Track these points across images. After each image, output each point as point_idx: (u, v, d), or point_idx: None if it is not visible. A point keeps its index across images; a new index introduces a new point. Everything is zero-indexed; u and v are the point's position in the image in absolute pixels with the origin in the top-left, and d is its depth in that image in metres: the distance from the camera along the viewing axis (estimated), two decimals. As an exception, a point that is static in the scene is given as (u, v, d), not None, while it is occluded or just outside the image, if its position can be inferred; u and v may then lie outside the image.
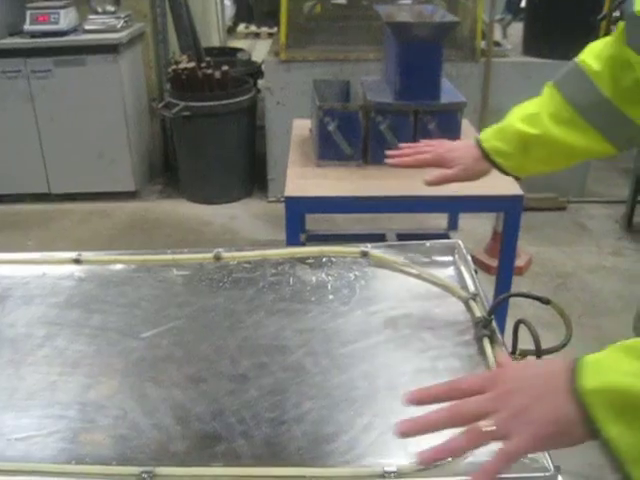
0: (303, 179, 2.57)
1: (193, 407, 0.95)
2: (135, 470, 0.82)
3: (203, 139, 3.93)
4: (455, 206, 2.63)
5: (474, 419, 0.72)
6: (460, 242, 1.39)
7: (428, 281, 1.27)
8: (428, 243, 1.41)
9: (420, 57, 2.53)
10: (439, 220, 3.72)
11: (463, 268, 1.31)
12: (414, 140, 2.67)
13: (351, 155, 2.64)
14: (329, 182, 2.56)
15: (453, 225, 3.59)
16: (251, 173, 4.22)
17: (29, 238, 3.70)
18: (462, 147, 1.36)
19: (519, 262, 3.34)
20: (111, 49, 3.78)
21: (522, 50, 4.00)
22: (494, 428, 0.71)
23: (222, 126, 3.90)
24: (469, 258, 1.34)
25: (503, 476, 0.71)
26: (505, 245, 2.60)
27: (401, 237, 3.47)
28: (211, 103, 3.81)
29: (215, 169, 4.02)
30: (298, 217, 2.45)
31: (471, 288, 1.24)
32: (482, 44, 3.82)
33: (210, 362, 1.05)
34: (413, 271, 1.29)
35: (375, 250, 1.35)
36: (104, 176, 4.07)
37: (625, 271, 3.46)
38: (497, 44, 3.95)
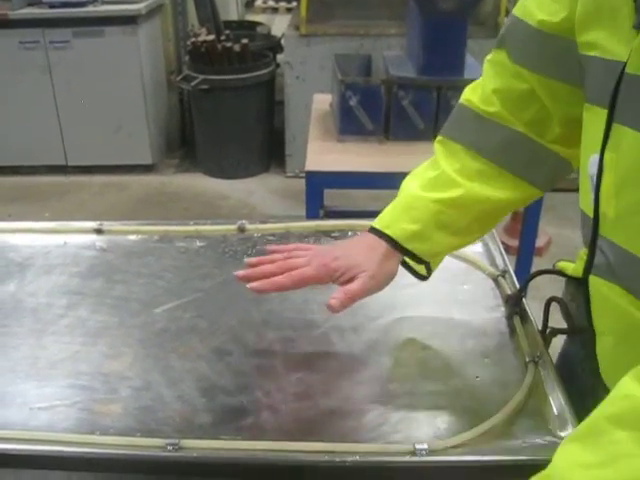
0: (324, 154, 2.55)
1: (218, 380, 0.93)
2: (160, 442, 0.80)
3: (221, 113, 3.90)
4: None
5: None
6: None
7: (456, 257, 1.24)
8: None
9: (445, 32, 2.49)
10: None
11: (491, 245, 1.28)
12: (436, 117, 2.65)
13: (372, 130, 2.61)
14: (350, 157, 2.53)
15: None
16: (269, 148, 4.19)
17: (46, 210, 3.70)
18: (354, 249, 1.02)
19: (539, 242, 3.29)
20: (130, 20, 3.74)
21: (546, 27, 3.93)
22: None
23: (240, 100, 3.87)
24: (496, 235, 1.31)
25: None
26: (526, 225, 2.57)
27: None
28: (230, 76, 3.77)
29: (233, 143, 3.99)
30: (318, 192, 2.43)
31: (500, 265, 1.21)
32: (505, 20, 3.75)
33: (235, 335, 1.03)
34: (440, 247, 1.27)
35: (401, 225, 1.32)
36: (121, 149, 4.05)
37: None
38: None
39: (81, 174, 4.07)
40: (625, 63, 0.71)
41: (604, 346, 0.83)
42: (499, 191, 0.99)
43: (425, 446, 0.80)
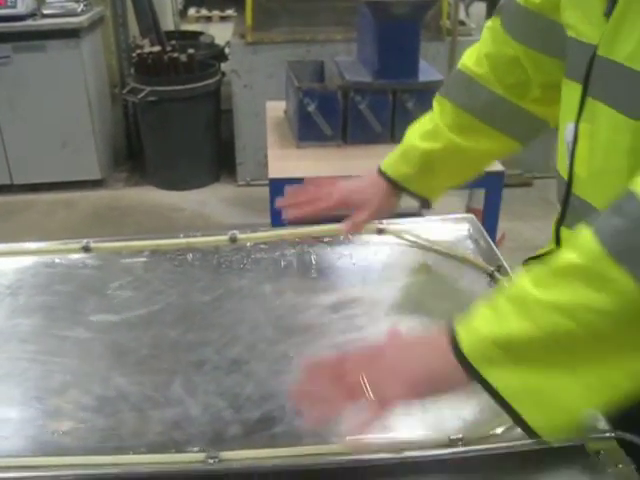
0: (284, 161, 2.55)
1: (242, 390, 0.93)
2: (200, 456, 0.80)
3: (169, 124, 3.86)
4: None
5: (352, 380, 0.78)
6: (474, 216, 1.40)
7: (448, 255, 1.27)
8: (441, 218, 1.41)
9: (399, 36, 2.52)
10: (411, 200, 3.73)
11: (481, 242, 1.31)
12: (392, 120, 2.69)
13: (331, 136, 2.63)
14: (310, 163, 2.55)
15: (425, 203, 3.60)
16: (218, 158, 4.17)
17: (-8, 232, 3.60)
18: (366, 185, 1.23)
19: (493, 238, 3.37)
20: (72, 34, 3.66)
21: (485, 28, 4.02)
22: (367, 383, 0.77)
23: (188, 110, 3.84)
24: (484, 231, 1.35)
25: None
26: (487, 221, 2.62)
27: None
28: (177, 87, 3.74)
29: (182, 154, 3.95)
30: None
31: (492, 260, 1.24)
32: (447, 23, 3.83)
33: (248, 344, 1.03)
34: (432, 246, 1.29)
35: (390, 226, 1.34)
36: (68, 165, 3.96)
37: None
38: (461, 23, 3.97)
39: (27, 192, 3.97)
40: (596, 46, 0.81)
41: None
42: (483, 144, 1.16)
43: (460, 436, 0.82)
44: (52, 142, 3.90)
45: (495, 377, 0.73)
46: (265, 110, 3.11)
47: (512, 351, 0.72)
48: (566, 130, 0.90)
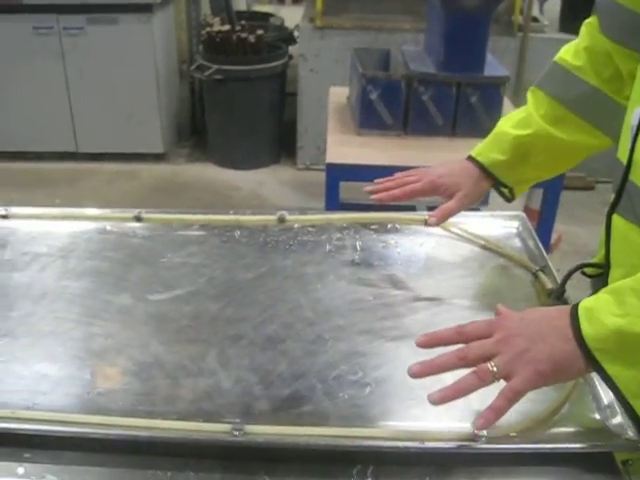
0: (343, 147, 2.56)
1: (274, 367, 0.95)
2: (226, 427, 0.82)
3: (234, 103, 3.90)
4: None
5: (479, 361, 0.80)
6: (523, 214, 1.39)
7: (494, 252, 1.26)
8: (490, 214, 1.40)
9: (467, 29, 2.50)
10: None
11: (529, 241, 1.30)
12: (454, 113, 2.67)
13: (392, 125, 2.63)
14: (369, 151, 2.55)
15: (483, 200, 3.56)
16: (279, 140, 4.19)
17: (56, 197, 3.69)
18: (456, 170, 1.26)
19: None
20: (145, 9, 3.73)
21: (559, 27, 3.94)
22: (496, 369, 0.78)
23: (254, 91, 3.87)
24: (533, 230, 1.33)
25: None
26: (542, 222, 2.59)
27: (430, 209, 3.45)
28: (244, 67, 3.77)
29: (244, 134, 3.99)
30: (338, 184, 2.43)
31: (538, 260, 1.23)
32: (519, 19, 3.77)
33: (286, 323, 1.04)
34: (479, 241, 1.28)
35: (439, 219, 1.33)
36: (132, 137, 4.05)
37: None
38: (534, 19, 3.90)
39: (91, 161, 4.06)
40: None
41: (616, 276, 0.91)
42: (574, 136, 1.17)
43: (485, 432, 0.82)
44: (118, 114, 3.99)
45: (615, 370, 0.75)
46: (328, 95, 3.13)
47: (635, 346, 0.74)
48: (634, 114, 0.90)
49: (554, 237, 3.45)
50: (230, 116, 3.97)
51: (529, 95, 1.23)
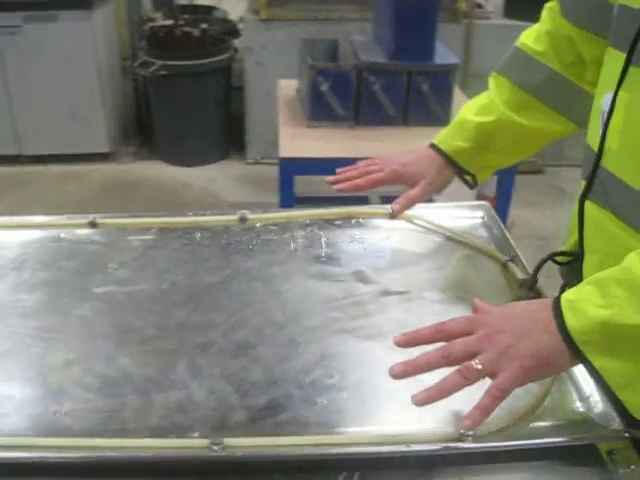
0: (295, 140, 2.52)
1: (247, 375, 0.91)
2: (204, 442, 0.78)
3: (180, 99, 3.83)
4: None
5: (463, 359, 0.78)
6: (488, 203, 1.37)
7: (461, 243, 1.25)
8: (455, 204, 1.39)
9: (416, 17, 2.48)
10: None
11: (495, 229, 1.28)
12: (406, 102, 2.65)
13: (343, 116, 2.60)
14: (322, 143, 2.52)
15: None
16: (227, 134, 4.14)
17: (0, 203, 3.58)
18: (418, 158, 1.24)
19: (503, 225, 3.35)
20: (84, 4, 3.63)
21: (503, 12, 3.97)
22: (481, 367, 0.77)
23: (199, 86, 3.80)
24: (499, 219, 1.32)
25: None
26: (498, 208, 2.59)
27: (384, 200, 3.44)
28: (189, 62, 3.70)
29: (192, 130, 3.93)
30: (292, 179, 2.40)
31: (505, 250, 1.22)
32: (464, 5, 3.78)
33: (255, 328, 1.01)
34: (445, 232, 1.27)
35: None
36: (77, 137, 3.94)
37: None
38: (478, 6, 3.91)
39: (36, 164, 3.94)
40: None
41: (590, 263, 0.92)
42: (537, 122, 1.16)
43: (470, 432, 0.80)
44: (62, 114, 3.88)
45: (601, 363, 0.74)
46: (276, 88, 3.09)
47: (621, 337, 0.73)
48: (603, 100, 0.89)
49: (507, 222, 3.48)
50: (176, 112, 3.90)
51: (490, 81, 1.21)
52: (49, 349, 0.97)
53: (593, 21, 1.03)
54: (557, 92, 1.14)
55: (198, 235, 1.25)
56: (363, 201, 3.41)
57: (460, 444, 0.80)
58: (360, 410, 0.86)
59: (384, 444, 0.80)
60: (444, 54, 2.66)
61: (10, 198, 3.63)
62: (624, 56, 0.84)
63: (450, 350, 0.79)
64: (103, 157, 4.00)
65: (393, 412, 0.86)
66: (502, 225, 1.29)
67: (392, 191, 3.72)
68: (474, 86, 3.75)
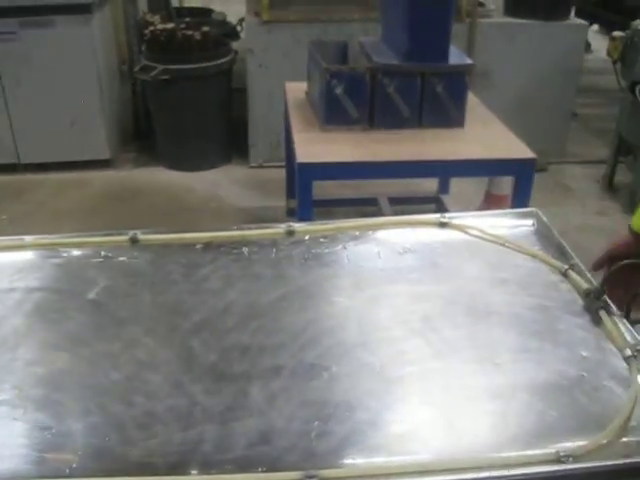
0: (311, 145, 2.48)
1: (328, 398, 0.87)
2: (296, 475, 0.75)
3: (181, 103, 3.78)
4: (466, 170, 2.57)
5: None
6: (539, 210, 1.34)
7: (517, 251, 1.21)
8: (503, 212, 1.36)
9: (431, 17, 2.45)
10: (427, 183, 3.68)
11: (549, 237, 1.25)
12: (420, 104, 2.62)
13: (358, 119, 2.56)
14: (338, 147, 2.48)
15: (444, 189, 3.55)
16: (229, 138, 4.08)
17: (2, 212, 3.51)
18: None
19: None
20: (83, 9, 3.56)
21: (504, 11, 3.95)
22: None
23: (201, 90, 3.75)
24: (551, 227, 1.29)
25: None
26: (516, 205, 2.57)
27: (392, 201, 3.42)
28: (191, 66, 3.65)
29: (193, 134, 3.87)
30: (311, 184, 2.36)
31: (564, 258, 1.19)
32: (466, 4, 3.76)
33: (326, 347, 0.97)
34: (499, 241, 1.23)
35: (454, 220, 1.28)
36: (76, 144, 3.86)
37: (611, 230, 3.48)
38: (480, 4, 3.89)
39: (36, 172, 3.87)
40: None
41: None
42: None
43: (570, 452, 0.77)
44: (60, 121, 3.81)
45: None
46: (280, 90, 3.05)
47: None
48: None
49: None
50: (178, 116, 3.85)
51: None
52: (105, 377, 0.93)
53: None
54: None
55: (246, 250, 1.21)
56: (372, 203, 3.40)
57: (563, 466, 0.76)
58: (448, 431, 0.83)
59: (482, 469, 0.76)
60: (457, 55, 2.63)
61: (12, 207, 3.56)
62: None
63: None
64: (103, 164, 3.94)
65: (491, 440, 0.83)
66: (555, 231, 1.26)
67: (400, 192, 3.67)
68: (478, 84, 3.72)
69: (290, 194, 3.30)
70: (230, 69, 3.92)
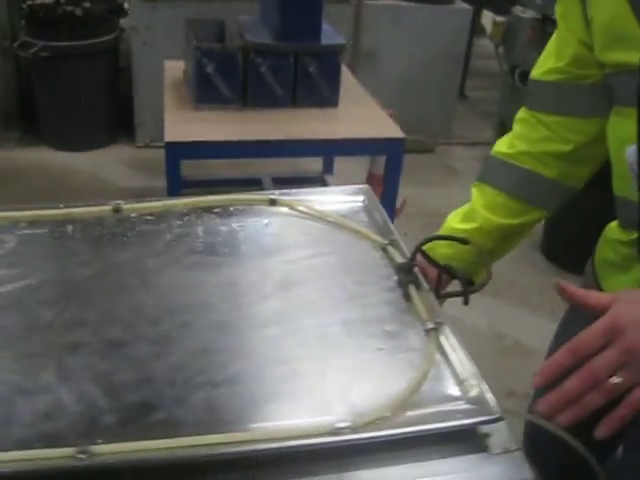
0: (182, 124, 2.47)
1: (118, 375, 0.88)
2: (68, 451, 0.75)
3: (65, 82, 3.69)
4: (338, 149, 2.61)
5: (606, 377, 0.79)
6: (369, 187, 1.37)
7: (342, 228, 1.24)
8: (337, 189, 1.38)
9: (302, -4, 2.46)
10: (313, 164, 3.71)
11: (376, 214, 1.28)
12: (294, 83, 2.63)
13: (230, 98, 2.57)
14: (209, 126, 2.48)
15: (328, 168, 3.59)
16: (116, 117, 4.01)
17: None
18: None
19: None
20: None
21: (391, -8, 4.01)
22: (621, 380, 0.78)
23: (85, 68, 3.67)
24: (378, 203, 1.32)
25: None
26: (387, 188, 2.62)
27: (277, 181, 3.44)
28: (72, 43, 3.56)
29: (78, 113, 3.79)
30: (179, 163, 2.35)
31: (386, 234, 1.22)
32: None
33: (127, 324, 0.97)
34: (327, 218, 1.26)
35: (283, 197, 1.30)
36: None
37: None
38: (367, -15, 3.92)
39: None
40: None
41: None
42: (518, 219, 1.23)
43: (346, 424, 0.79)
44: None
45: None
46: (163, 70, 3.01)
47: None
48: (627, 154, 0.96)
49: (399, 201, 3.53)
50: (62, 95, 3.76)
51: (472, 189, 1.28)
52: None
53: (566, 104, 1.14)
54: (537, 190, 1.22)
55: (70, 228, 1.20)
56: (256, 183, 3.41)
57: (337, 437, 0.79)
58: (236, 407, 0.84)
59: (258, 441, 0.78)
60: (331, 34, 2.65)
61: None
62: (636, 109, 0.90)
63: (593, 374, 0.79)
64: (-18, 144, 3.81)
65: (269, 408, 0.85)
66: (381, 208, 1.29)
67: (283, 172, 3.71)
68: (365, 66, 3.77)
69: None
70: (116, 47, 3.85)
